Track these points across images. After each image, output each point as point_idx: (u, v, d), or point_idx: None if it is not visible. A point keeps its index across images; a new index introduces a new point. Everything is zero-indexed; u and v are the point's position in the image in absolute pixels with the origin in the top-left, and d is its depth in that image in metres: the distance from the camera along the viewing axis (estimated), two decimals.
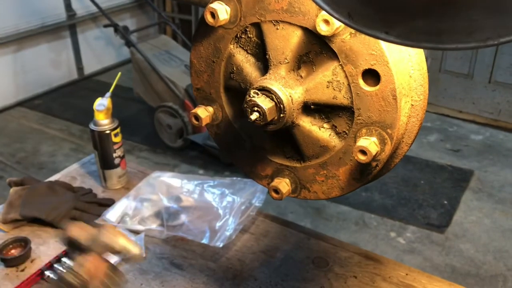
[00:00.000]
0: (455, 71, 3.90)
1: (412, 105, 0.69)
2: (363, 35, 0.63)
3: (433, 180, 3.10)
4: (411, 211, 2.82)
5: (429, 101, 0.72)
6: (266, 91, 0.70)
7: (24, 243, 1.17)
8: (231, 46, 0.77)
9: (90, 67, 4.81)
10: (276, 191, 0.77)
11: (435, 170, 3.20)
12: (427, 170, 3.21)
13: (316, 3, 0.40)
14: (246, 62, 0.76)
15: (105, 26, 3.65)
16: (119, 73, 1.45)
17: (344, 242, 1.23)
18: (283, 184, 0.78)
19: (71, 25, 4.54)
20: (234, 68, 0.77)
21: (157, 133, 3.51)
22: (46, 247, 1.19)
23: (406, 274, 1.12)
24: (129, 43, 3.52)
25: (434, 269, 2.40)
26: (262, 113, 0.68)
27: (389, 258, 1.19)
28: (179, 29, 4.07)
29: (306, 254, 1.18)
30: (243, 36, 0.76)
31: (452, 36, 0.36)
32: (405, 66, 0.66)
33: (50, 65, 4.51)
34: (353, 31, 0.64)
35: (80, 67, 4.73)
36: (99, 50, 4.88)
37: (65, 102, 4.31)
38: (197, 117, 0.80)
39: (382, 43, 0.63)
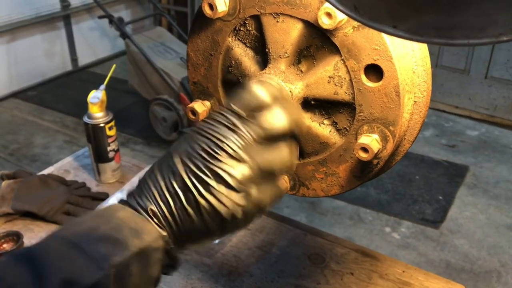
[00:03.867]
0: (452, 66, 3.89)
1: (415, 101, 0.68)
2: (366, 29, 0.61)
3: (428, 176, 3.10)
4: (406, 206, 2.82)
5: None
6: None
7: (16, 237, 1.15)
8: (229, 39, 0.75)
9: (84, 59, 4.77)
10: None
11: (431, 166, 3.20)
12: (422, 165, 3.20)
13: None
14: (244, 55, 0.74)
15: (100, 17, 3.61)
16: (114, 65, 1.42)
17: (341, 238, 1.22)
18: (281, 181, 0.76)
19: (65, 16, 4.48)
20: (232, 62, 0.75)
21: (152, 126, 3.48)
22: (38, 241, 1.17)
23: (403, 271, 1.11)
24: (124, 35, 3.48)
25: (429, 265, 2.40)
26: None
27: (384, 253, 1.18)
28: (174, 21, 4.03)
29: (302, 250, 1.17)
30: (242, 28, 0.74)
31: (463, 32, 0.35)
32: (409, 61, 0.65)
33: (43, 56, 4.46)
34: (356, 24, 0.62)
35: (74, 59, 4.68)
36: (94, 42, 4.83)
37: (59, 94, 4.27)
38: (194, 112, 0.78)
39: (386, 38, 0.61)
